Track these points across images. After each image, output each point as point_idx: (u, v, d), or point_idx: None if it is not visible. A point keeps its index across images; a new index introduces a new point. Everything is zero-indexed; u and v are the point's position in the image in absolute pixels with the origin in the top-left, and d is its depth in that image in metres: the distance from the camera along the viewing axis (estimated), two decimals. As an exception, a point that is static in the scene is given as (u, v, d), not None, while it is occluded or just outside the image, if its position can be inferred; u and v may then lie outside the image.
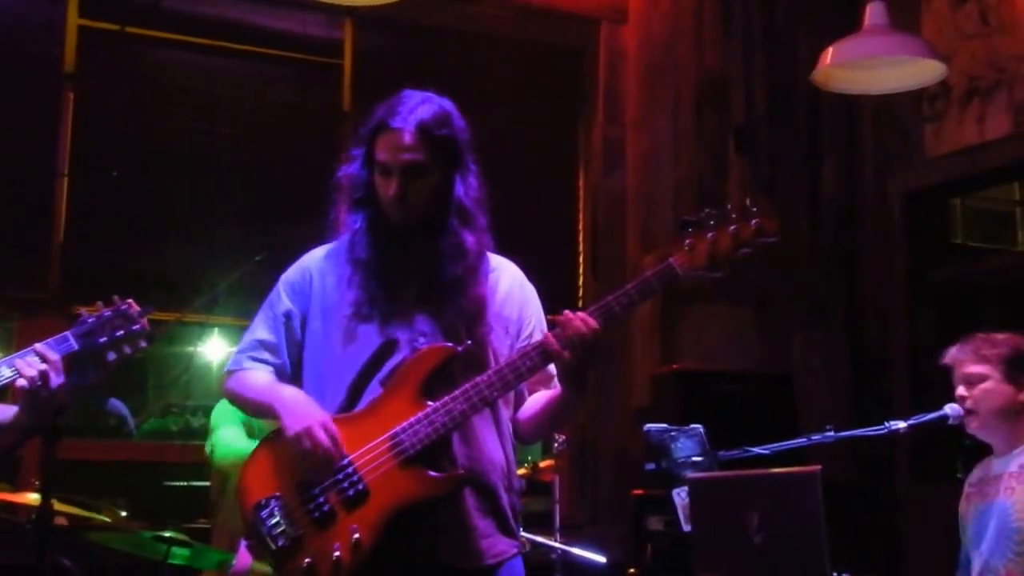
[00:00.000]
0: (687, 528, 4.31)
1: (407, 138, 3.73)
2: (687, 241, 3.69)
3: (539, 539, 6.36)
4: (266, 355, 3.94)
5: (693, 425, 4.66)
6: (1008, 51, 7.53)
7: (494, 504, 3.80)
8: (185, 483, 5.79)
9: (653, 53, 8.72)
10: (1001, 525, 4.64)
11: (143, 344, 4.06)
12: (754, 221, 3.68)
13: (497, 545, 3.79)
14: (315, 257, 4.00)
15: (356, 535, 3.59)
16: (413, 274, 3.82)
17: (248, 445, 5.63)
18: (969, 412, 4.76)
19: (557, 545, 6.48)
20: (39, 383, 3.77)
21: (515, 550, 3.88)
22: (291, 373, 3.95)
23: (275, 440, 3.76)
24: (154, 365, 9.13)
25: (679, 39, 8.64)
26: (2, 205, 7.22)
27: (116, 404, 8.04)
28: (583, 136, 8.94)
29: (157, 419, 8.72)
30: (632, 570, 6.98)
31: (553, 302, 4.00)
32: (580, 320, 3.61)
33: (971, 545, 4.82)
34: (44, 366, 3.79)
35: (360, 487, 3.63)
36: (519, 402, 3.97)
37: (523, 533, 6.06)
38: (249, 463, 3.81)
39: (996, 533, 4.65)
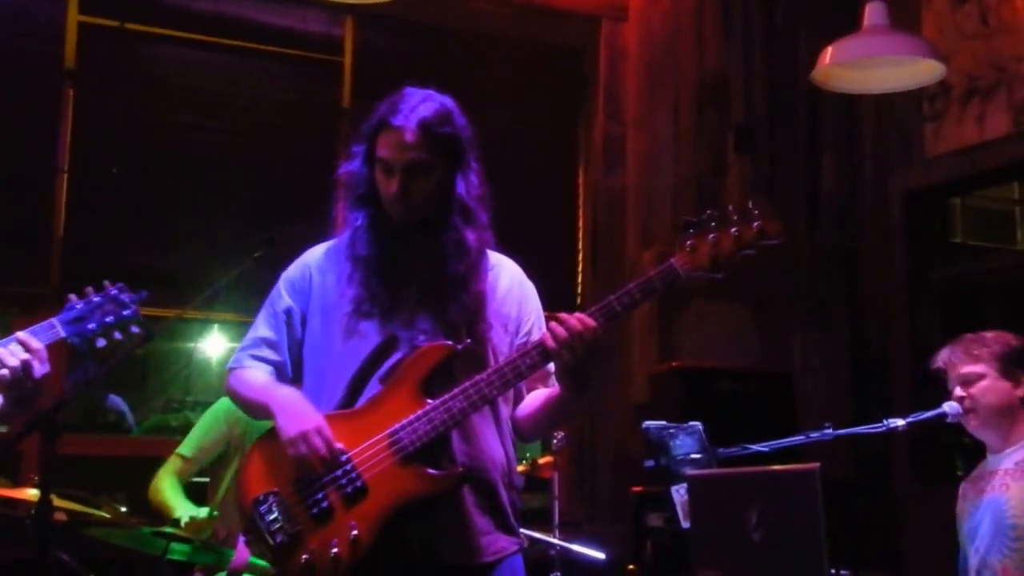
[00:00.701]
0: (686, 525, 4.31)
1: (409, 136, 3.73)
2: (689, 242, 3.70)
3: (538, 536, 6.37)
4: (267, 353, 3.95)
5: (692, 422, 4.67)
6: (1008, 51, 7.53)
7: (494, 501, 3.81)
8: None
9: (653, 52, 8.73)
10: (996, 521, 4.66)
11: (135, 331, 3.98)
12: (756, 223, 3.69)
13: (497, 542, 3.80)
14: (315, 254, 4.01)
15: (355, 532, 3.60)
16: (414, 272, 3.83)
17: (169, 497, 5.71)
18: (968, 411, 4.77)
19: (556, 542, 6.49)
20: (21, 373, 3.67)
21: (515, 547, 3.89)
22: (292, 370, 3.96)
23: (272, 437, 3.76)
24: (154, 361, 9.16)
25: (679, 38, 8.64)
26: (2, 201, 7.20)
27: (115, 400, 8.08)
28: (583, 134, 8.93)
29: (158, 416, 8.74)
30: (631, 567, 6.99)
31: (553, 300, 4.01)
32: (577, 320, 3.61)
33: (967, 541, 4.84)
34: (27, 355, 3.68)
35: (359, 484, 3.64)
36: (517, 400, 3.98)
37: (522, 530, 6.07)
38: (248, 459, 3.82)
39: (992, 529, 4.67)
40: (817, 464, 3.47)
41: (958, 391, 4.82)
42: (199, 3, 7.89)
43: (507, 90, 8.64)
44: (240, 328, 4.12)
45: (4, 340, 3.76)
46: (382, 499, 3.62)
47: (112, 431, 8.05)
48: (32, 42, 7.45)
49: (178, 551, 5.29)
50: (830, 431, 4.65)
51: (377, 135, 3.80)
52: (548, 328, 3.67)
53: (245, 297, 4.45)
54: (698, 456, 4.60)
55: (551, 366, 3.86)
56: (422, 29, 8.43)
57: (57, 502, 4.63)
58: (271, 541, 3.65)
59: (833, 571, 4.39)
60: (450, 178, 3.83)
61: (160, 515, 5.73)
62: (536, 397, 3.96)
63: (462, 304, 3.79)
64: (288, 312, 3.95)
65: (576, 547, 6.56)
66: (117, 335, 3.95)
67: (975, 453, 5.07)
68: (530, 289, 4.04)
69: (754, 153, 8.51)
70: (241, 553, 5.05)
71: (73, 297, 3.97)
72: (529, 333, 3.93)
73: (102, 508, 5.54)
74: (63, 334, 3.89)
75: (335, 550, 3.59)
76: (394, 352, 3.76)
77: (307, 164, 7.63)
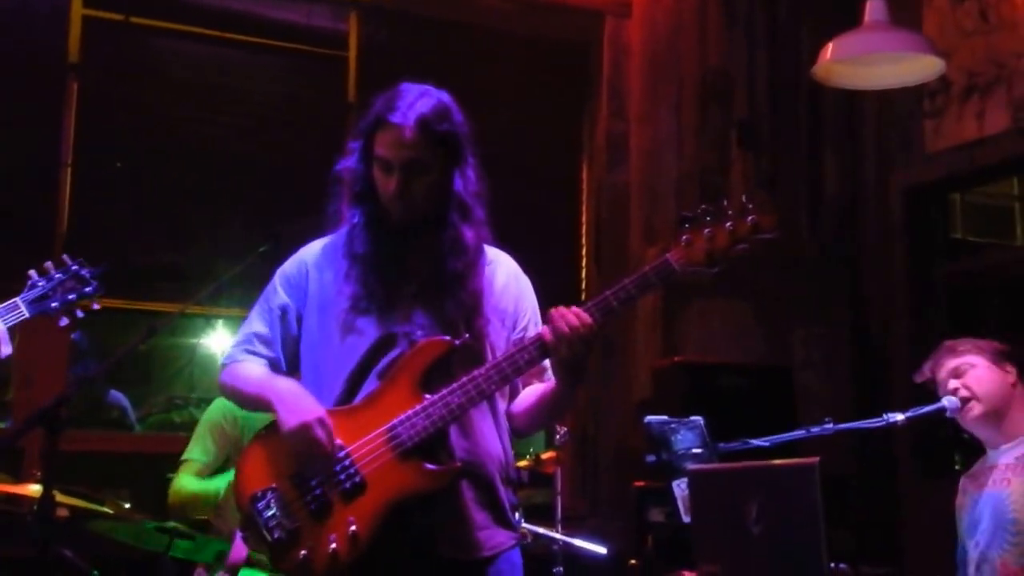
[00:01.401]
0: (687, 519, 4.32)
1: (408, 134, 3.72)
2: (684, 237, 3.71)
3: (541, 530, 6.38)
4: (261, 348, 3.94)
5: (693, 417, 4.67)
6: (1007, 48, 7.54)
7: (492, 496, 3.81)
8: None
9: (657, 48, 8.74)
10: (997, 516, 4.67)
11: (96, 307, 3.96)
12: (751, 218, 3.70)
13: (495, 537, 3.81)
14: (312, 250, 4.01)
15: (353, 527, 3.60)
16: (412, 269, 3.83)
17: (200, 486, 5.70)
18: (966, 400, 4.78)
19: (559, 536, 6.50)
20: None
21: (513, 542, 3.89)
22: (287, 366, 3.96)
23: (271, 432, 3.75)
24: (157, 357, 9.16)
25: (682, 34, 8.65)
26: (6, 194, 7.23)
27: (117, 396, 8.08)
28: (587, 130, 8.95)
29: (161, 415, 8.74)
30: (633, 561, 7.00)
31: (556, 296, 4.01)
32: (574, 315, 3.62)
33: (966, 535, 4.84)
34: None
35: (357, 479, 3.64)
36: (513, 394, 3.98)
37: (525, 524, 6.09)
38: (245, 455, 3.81)
39: (992, 524, 4.68)
40: (817, 458, 3.47)
41: (952, 383, 4.82)
42: (203, -2, 7.93)
43: (511, 86, 8.66)
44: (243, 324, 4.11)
45: None
46: (380, 494, 3.62)
47: (114, 427, 8.05)
48: (36, 35, 7.47)
49: (181, 548, 5.30)
50: (830, 426, 4.66)
51: (375, 132, 3.78)
52: (547, 322, 3.67)
53: (249, 292, 4.45)
54: (699, 451, 4.60)
55: (546, 361, 3.87)
56: (426, 24, 8.45)
57: (59, 498, 4.64)
58: (269, 537, 3.65)
59: (832, 565, 4.40)
60: (448, 175, 3.82)
61: (195, 511, 5.71)
62: (532, 392, 3.96)
63: (460, 301, 3.78)
64: (283, 308, 3.94)
65: (578, 542, 6.57)
66: (79, 313, 3.93)
67: (974, 448, 5.07)
68: (526, 284, 4.04)
69: (756, 149, 8.52)
70: (238, 549, 5.05)
71: (34, 274, 3.94)
72: (525, 329, 3.93)
73: (105, 504, 5.55)
74: (27, 314, 3.86)
75: (333, 546, 3.59)
76: (392, 348, 3.76)
77: (312, 159, 7.58)
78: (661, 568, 6.69)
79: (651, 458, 4.71)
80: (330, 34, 8.23)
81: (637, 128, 8.75)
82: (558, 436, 6.60)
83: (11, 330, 3.84)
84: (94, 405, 7.95)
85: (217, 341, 8.84)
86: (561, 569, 6.47)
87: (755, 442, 4.66)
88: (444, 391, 3.65)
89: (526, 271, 4.07)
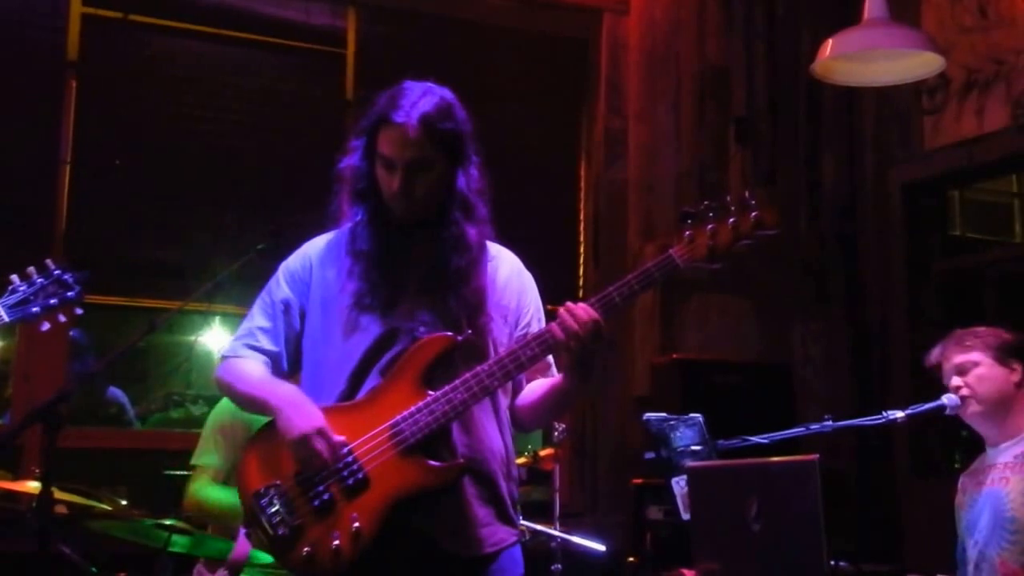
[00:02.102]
0: (686, 517, 4.33)
1: (411, 133, 3.71)
2: (687, 233, 3.72)
3: (539, 527, 6.37)
4: (262, 342, 3.93)
5: (693, 414, 4.68)
6: (1006, 44, 7.54)
7: (493, 492, 3.81)
8: (186, 472, 5.78)
9: (655, 44, 8.73)
10: (995, 514, 4.67)
11: (79, 312, 3.96)
12: (753, 213, 3.71)
13: (496, 533, 3.80)
14: (317, 246, 4.00)
15: (356, 524, 3.60)
16: (415, 266, 3.83)
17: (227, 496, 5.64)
18: (966, 398, 4.78)
19: (557, 533, 6.49)
20: None
21: (514, 538, 3.89)
22: (288, 361, 3.95)
23: (272, 430, 3.75)
24: (155, 354, 9.15)
25: (681, 30, 8.65)
26: (4, 192, 7.22)
27: (116, 392, 8.08)
28: (585, 127, 8.95)
29: (160, 415, 8.74)
30: (632, 558, 7.01)
31: (554, 292, 4.01)
32: (583, 311, 3.62)
33: (965, 533, 4.85)
34: None
35: (360, 476, 3.64)
36: (516, 390, 3.98)
37: (523, 521, 6.08)
38: (248, 452, 3.81)
39: (991, 522, 4.68)
40: (816, 455, 3.48)
41: (955, 380, 4.83)
42: (202, -5, 7.93)
43: (509, 82, 8.66)
44: (242, 321, 4.09)
45: None
46: (383, 491, 3.63)
47: (112, 424, 8.05)
48: (35, 33, 7.46)
49: (179, 544, 5.29)
50: (830, 423, 4.66)
51: (378, 131, 3.78)
52: (558, 318, 3.67)
53: (247, 289, 4.45)
54: (698, 448, 4.61)
55: (550, 357, 3.87)
56: (424, 21, 8.45)
57: (58, 495, 4.64)
58: (272, 533, 3.65)
59: (832, 562, 4.40)
60: (451, 173, 3.81)
61: (223, 519, 5.63)
62: (537, 387, 3.95)
63: (463, 297, 3.78)
64: (286, 303, 3.93)
65: (577, 539, 6.56)
66: (61, 318, 3.93)
67: (973, 445, 5.08)
68: (529, 280, 4.04)
69: (755, 145, 8.52)
70: (242, 546, 5.04)
71: (16, 279, 3.94)
72: (528, 325, 3.93)
73: (103, 501, 5.55)
74: (7, 319, 3.86)
75: (336, 542, 3.59)
76: (394, 344, 3.76)
77: (311, 156, 7.62)
78: (659, 565, 6.69)
79: (650, 455, 4.73)
80: (328, 31, 8.23)
81: (635, 125, 8.75)
82: (556, 433, 6.60)
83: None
84: (93, 402, 7.94)
85: (215, 338, 8.83)
86: (560, 566, 6.46)
87: (754, 439, 4.66)
88: (447, 387, 3.66)
89: (524, 267, 4.07)
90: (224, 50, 8.00)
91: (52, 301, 3.88)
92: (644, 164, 8.66)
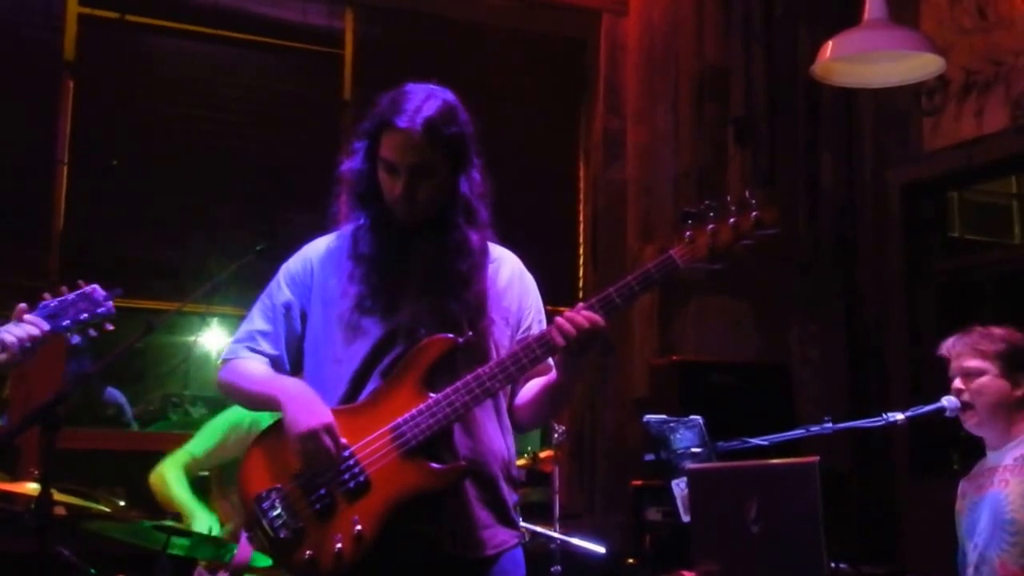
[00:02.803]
0: (686, 519, 4.32)
1: (415, 138, 3.68)
2: (687, 233, 3.71)
3: (539, 529, 6.36)
4: (263, 345, 3.91)
5: (692, 416, 4.67)
6: (1006, 45, 7.53)
7: (495, 495, 3.81)
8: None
9: (653, 45, 8.73)
10: (995, 516, 4.66)
11: (109, 328, 3.99)
12: (753, 213, 3.69)
13: (498, 535, 3.80)
14: (318, 248, 3.98)
15: (358, 527, 3.59)
16: (416, 269, 3.81)
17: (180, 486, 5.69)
18: (966, 406, 4.77)
19: (556, 535, 6.49)
20: None
21: (515, 540, 3.89)
22: (289, 364, 3.94)
23: (276, 433, 3.74)
24: (153, 354, 9.14)
25: (679, 31, 8.65)
26: (1, 192, 7.22)
27: (114, 393, 8.08)
28: (583, 127, 8.95)
29: (162, 422, 8.73)
30: (631, 560, 7.00)
31: (553, 292, 4.01)
32: (585, 318, 3.61)
33: (965, 536, 4.83)
34: None
35: (362, 479, 3.63)
36: (514, 390, 3.97)
37: (523, 523, 6.07)
38: (249, 456, 3.80)
39: (991, 524, 4.67)
40: (816, 457, 3.47)
41: (957, 383, 4.81)
42: (199, -5, 7.93)
43: (507, 83, 8.66)
44: (239, 322, 4.07)
45: None
46: (385, 494, 3.62)
47: (111, 424, 8.05)
48: (32, 33, 7.47)
49: (178, 545, 5.29)
50: (829, 425, 4.65)
51: (380, 134, 3.75)
52: (556, 325, 3.65)
53: (245, 290, 4.44)
54: (698, 450, 4.60)
55: (551, 359, 3.86)
56: (422, 21, 8.45)
57: (57, 496, 4.63)
58: (274, 536, 3.64)
59: (832, 564, 4.39)
60: (454, 177, 3.79)
61: (163, 503, 5.71)
62: (533, 386, 3.94)
63: (464, 300, 3.77)
64: (287, 306, 3.91)
65: (576, 540, 6.55)
66: (92, 332, 3.95)
67: (973, 447, 5.07)
68: (530, 282, 4.03)
69: (754, 146, 8.51)
70: (244, 549, 5.05)
71: (48, 295, 3.97)
72: (529, 327, 3.92)
73: (101, 502, 5.55)
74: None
75: (338, 545, 3.59)
76: (395, 347, 3.74)
77: (308, 157, 7.64)
78: (659, 567, 6.69)
79: (649, 457, 4.72)
80: (326, 31, 8.23)
81: (634, 125, 8.75)
82: (555, 434, 6.59)
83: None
84: (91, 402, 7.94)
85: (212, 339, 8.83)
86: (559, 568, 6.45)
87: (754, 441, 4.65)
88: (449, 390, 3.65)
89: (525, 269, 4.06)
90: (221, 50, 8.01)
91: (83, 316, 3.91)
92: (643, 165, 8.66)
